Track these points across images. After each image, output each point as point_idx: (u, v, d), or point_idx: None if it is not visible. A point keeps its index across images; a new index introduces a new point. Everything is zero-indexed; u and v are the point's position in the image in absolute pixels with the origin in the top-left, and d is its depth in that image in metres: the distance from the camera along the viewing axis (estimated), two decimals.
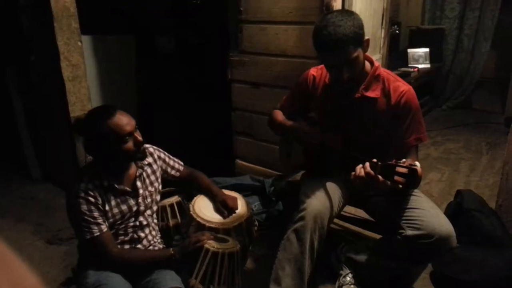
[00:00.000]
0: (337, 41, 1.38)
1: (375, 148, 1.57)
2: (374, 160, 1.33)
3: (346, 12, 1.45)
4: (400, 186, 1.24)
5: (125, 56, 3.26)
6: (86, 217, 1.35)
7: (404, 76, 3.73)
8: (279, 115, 1.83)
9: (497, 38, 4.30)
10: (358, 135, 1.62)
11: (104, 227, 1.39)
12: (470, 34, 4.40)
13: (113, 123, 1.35)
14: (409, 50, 4.34)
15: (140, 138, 1.41)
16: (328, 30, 1.39)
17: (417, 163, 1.23)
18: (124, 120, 1.37)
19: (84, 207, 1.35)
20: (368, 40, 1.47)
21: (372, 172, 1.31)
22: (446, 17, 4.51)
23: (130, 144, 1.39)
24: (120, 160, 1.45)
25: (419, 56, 4.31)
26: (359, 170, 1.35)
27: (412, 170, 1.22)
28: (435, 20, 4.60)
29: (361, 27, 1.42)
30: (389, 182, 1.29)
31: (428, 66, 4.29)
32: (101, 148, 1.40)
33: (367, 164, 1.34)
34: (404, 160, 1.27)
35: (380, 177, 1.30)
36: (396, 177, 1.25)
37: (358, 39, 1.42)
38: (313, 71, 1.75)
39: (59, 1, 2.15)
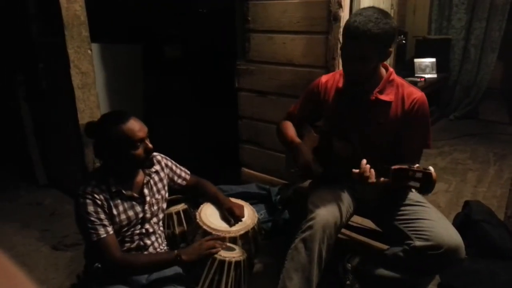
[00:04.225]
0: (360, 32, 1.38)
1: (382, 153, 1.57)
2: (385, 165, 1.33)
3: (384, 13, 1.42)
4: (414, 191, 1.23)
5: (132, 64, 3.29)
6: (93, 219, 1.36)
7: None
8: (289, 129, 1.81)
9: (504, 48, 4.29)
10: (368, 139, 1.62)
11: (110, 230, 1.40)
12: (477, 44, 4.39)
13: (126, 128, 1.37)
14: (416, 60, 4.33)
15: (150, 145, 1.44)
16: (358, 19, 1.39)
17: (430, 167, 1.22)
18: (137, 126, 1.40)
19: (91, 208, 1.37)
20: (390, 51, 1.47)
21: (367, 168, 1.35)
22: (452, 27, 4.50)
23: (140, 151, 1.41)
24: (129, 166, 1.47)
25: (426, 66, 4.30)
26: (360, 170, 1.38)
27: (426, 174, 1.20)
28: (442, 30, 4.59)
29: (389, 33, 1.41)
30: (383, 179, 1.34)
31: (435, 76, 4.28)
32: (112, 152, 1.42)
33: (364, 161, 1.36)
34: (417, 165, 1.26)
35: (374, 180, 1.33)
36: (410, 182, 1.24)
37: (381, 42, 1.41)
38: (324, 77, 1.76)
39: (70, 9, 2.18)
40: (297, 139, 1.74)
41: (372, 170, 1.39)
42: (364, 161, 1.38)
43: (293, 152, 1.71)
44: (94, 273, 1.46)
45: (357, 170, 1.38)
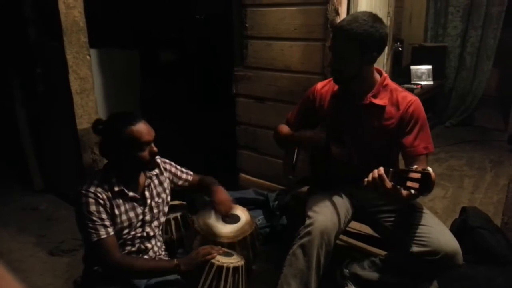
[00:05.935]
0: (342, 30, 1.44)
1: (378, 157, 1.57)
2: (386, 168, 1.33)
3: (375, 19, 1.45)
4: (413, 191, 1.23)
5: (129, 69, 3.30)
6: (94, 218, 1.36)
7: None
8: (284, 127, 1.84)
9: (499, 56, 4.33)
10: (363, 143, 1.63)
11: (111, 231, 1.39)
12: (472, 52, 4.43)
13: (136, 129, 1.40)
14: (412, 67, 4.37)
15: (155, 148, 1.47)
16: (347, 19, 1.45)
17: (429, 168, 1.22)
18: (146, 129, 1.43)
19: (93, 208, 1.37)
20: (374, 56, 1.50)
21: (384, 174, 1.30)
22: (448, 35, 4.55)
23: (146, 153, 1.44)
24: (133, 166, 1.48)
25: (422, 73, 4.34)
26: (371, 175, 1.34)
27: (425, 174, 1.21)
28: (438, 37, 4.64)
29: (372, 36, 1.43)
30: (402, 189, 1.27)
31: (431, 83, 4.31)
32: (118, 151, 1.43)
33: (381, 168, 1.33)
34: (415, 166, 1.27)
35: (391, 183, 1.29)
36: (409, 183, 1.24)
37: (362, 43, 1.44)
38: (320, 84, 1.77)
39: (69, 15, 2.19)
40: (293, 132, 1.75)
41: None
42: (381, 169, 1.33)
43: (296, 141, 1.70)
44: (92, 277, 1.45)
45: (368, 178, 1.36)
